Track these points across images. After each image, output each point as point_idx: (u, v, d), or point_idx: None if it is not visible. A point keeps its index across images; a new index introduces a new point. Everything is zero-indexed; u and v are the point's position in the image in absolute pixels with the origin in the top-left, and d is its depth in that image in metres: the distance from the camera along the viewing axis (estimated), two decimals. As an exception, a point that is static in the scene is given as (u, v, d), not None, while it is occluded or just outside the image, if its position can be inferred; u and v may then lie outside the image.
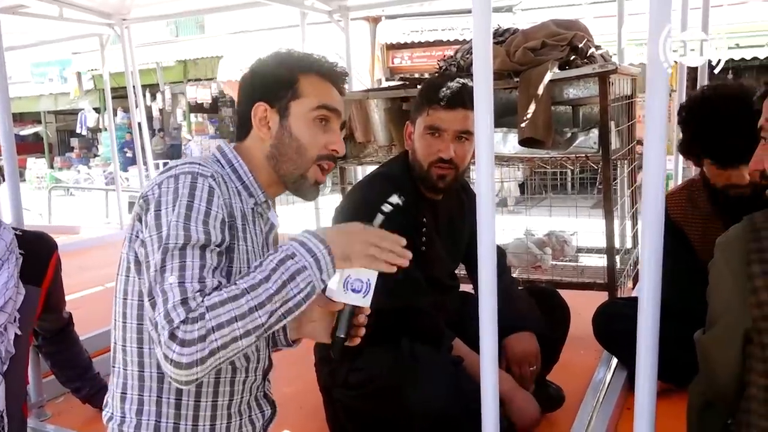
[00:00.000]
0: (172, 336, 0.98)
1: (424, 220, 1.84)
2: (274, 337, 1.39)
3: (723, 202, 1.94)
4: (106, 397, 1.24)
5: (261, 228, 1.27)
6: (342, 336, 1.19)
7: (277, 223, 1.33)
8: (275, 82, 1.25)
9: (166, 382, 1.15)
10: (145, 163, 5.00)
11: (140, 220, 1.12)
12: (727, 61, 9.25)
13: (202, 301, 1.00)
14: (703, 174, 1.99)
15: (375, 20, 11.16)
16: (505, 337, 1.76)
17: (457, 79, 1.79)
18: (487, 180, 1.22)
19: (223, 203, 1.13)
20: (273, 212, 1.32)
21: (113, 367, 1.21)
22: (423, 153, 1.80)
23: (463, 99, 1.73)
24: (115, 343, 1.20)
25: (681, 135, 1.99)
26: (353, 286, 1.16)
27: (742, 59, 8.92)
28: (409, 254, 1.15)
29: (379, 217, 1.23)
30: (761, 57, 8.82)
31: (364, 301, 1.18)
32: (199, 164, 1.15)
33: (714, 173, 1.91)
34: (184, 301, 0.99)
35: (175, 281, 1.01)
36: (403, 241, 1.15)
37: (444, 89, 1.75)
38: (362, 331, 1.23)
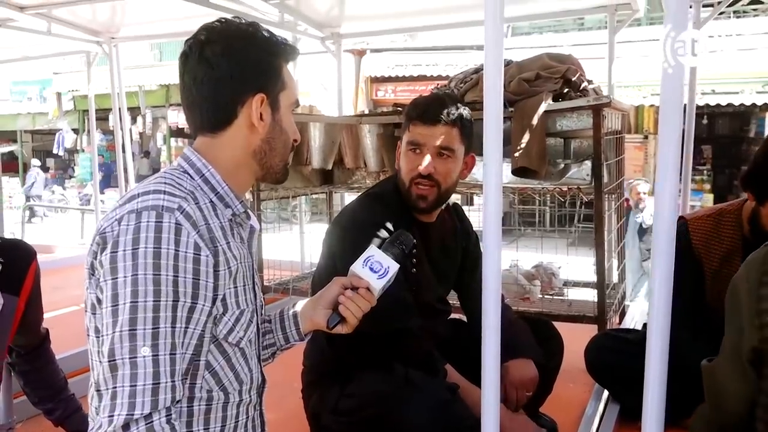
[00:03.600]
0: (126, 427, 0.94)
1: (415, 242, 1.81)
2: (285, 333, 1.35)
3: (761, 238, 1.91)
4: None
5: (242, 236, 1.21)
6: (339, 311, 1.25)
7: (257, 225, 1.27)
8: (269, 71, 1.15)
9: None
10: (126, 181, 4.91)
11: (95, 258, 1.03)
12: (702, 107, 9.53)
13: (171, 421, 0.98)
14: (755, 209, 1.91)
15: (360, 53, 11.30)
16: (504, 362, 1.73)
17: (439, 93, 1.79)
18: (495, 207, 1.23)
19: (198, 237, 1.03)
20: (252, 216, 1.25)
21: (96, 407, 1.11)
22: (405, 170, 1.78)
23: (444, 114, 1.71)
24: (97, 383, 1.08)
25: (750, 164, 1.90)
26: (372, 266, 1.24)
27: (718, 105, 9.19)
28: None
29: (375, 242, 1.30)
30: (735, 103, 9.09)
31: (377, 282, 1.24)
32: (165, 192, 1.04)
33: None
34: (155, 390, 0.96)
35: (148, 354, 0.96)
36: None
37: (425, 104, 1.75)
38: (360, 314, 1.25)
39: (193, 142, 1.20)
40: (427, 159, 1.72)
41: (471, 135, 1.79)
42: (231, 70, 1.11)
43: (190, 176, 1.14)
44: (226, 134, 1.15)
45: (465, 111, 1.77)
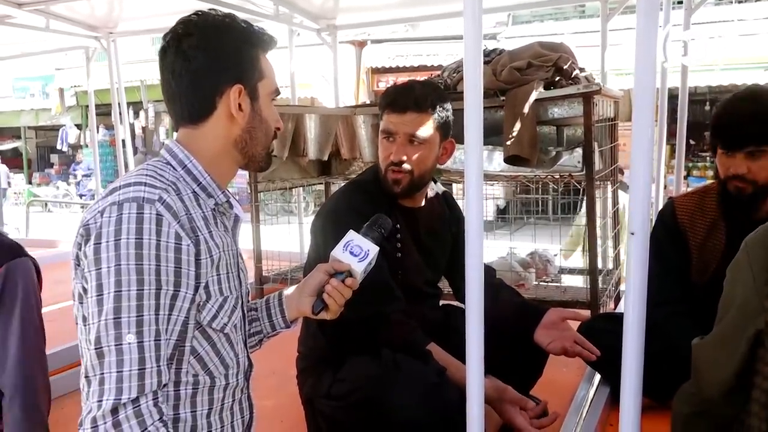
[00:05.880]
0: (114, 411, 0.97)
1: (398, 226, 1.84)
2: (272, 321, 1.37)
3: (727, 199, 1.93)
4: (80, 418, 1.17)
5: (226, 225, 1.22)
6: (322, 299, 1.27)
7: (242, 214, 1.28)
8: (246, 62, 1.16)
9: None
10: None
11: (80, 250, 1.06)
12: (704, 93, 9.49)
13: (158, 404, 1.02)
14: (716, 171, 1.98)
15: (361, 44, 11.31)
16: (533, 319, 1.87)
17: (412, 81, 1.83)
18: (477, 198, 1.23)
19: (179, 227, 1.05)
20: (236, 205, 1.25)
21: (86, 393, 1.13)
22: (380, 158, 1.82)
23: (413, 101, 1.74)
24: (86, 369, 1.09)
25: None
26: (352, 250, 1.27)
27: (720, 90, 9.15)
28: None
29: (352, 233, 1.30)
30: (738, 84, 9.03)
31: (358, 266, 1.26)
32: (145, 184, 1.07)
33: (721, 162, 1.90)
34: (141, 375, 0.99)
35: (133, 341, 0.99)
36: None
37: (394, 93, 1.78)
38: (342, 301, 1.26)
39: None
40: (398, 146, 1.76)
41: (448, 120, 1.81)
42: (207, 62, 1.13)
43: (173, 167, 1.16)
44: (206, 125, 1.17)
45: (439, 97, 1.79)
